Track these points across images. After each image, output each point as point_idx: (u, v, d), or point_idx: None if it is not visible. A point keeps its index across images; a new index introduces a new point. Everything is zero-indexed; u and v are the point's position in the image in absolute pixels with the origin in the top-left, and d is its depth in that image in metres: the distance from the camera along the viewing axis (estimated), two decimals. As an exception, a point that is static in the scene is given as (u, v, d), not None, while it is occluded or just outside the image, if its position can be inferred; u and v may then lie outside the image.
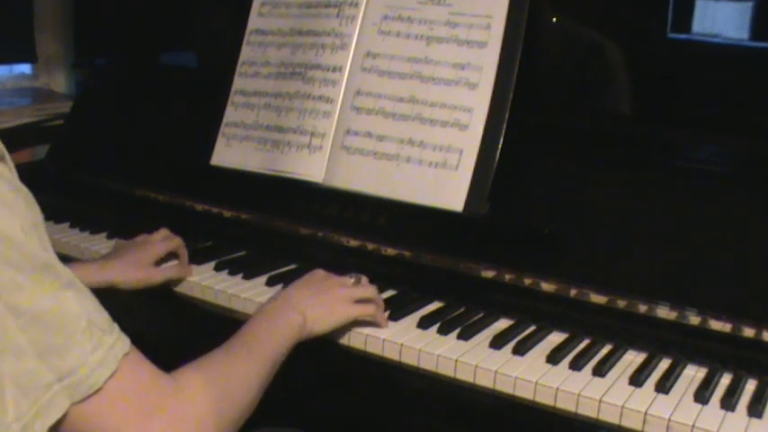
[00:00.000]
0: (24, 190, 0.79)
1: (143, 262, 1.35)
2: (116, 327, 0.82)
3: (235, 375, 0.93)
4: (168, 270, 1.37)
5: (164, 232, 1.44)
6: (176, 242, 1.42)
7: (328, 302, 1.15)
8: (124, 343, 0.81)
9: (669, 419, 1.00)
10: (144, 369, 0.83)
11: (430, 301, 1.32)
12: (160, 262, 1.39)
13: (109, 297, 1.26)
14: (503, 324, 1.25)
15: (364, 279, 1.25)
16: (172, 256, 1.43)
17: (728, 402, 1.03)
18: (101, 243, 1.58)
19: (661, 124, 1.36)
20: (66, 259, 1.53)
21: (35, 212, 0.79)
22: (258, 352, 1.00)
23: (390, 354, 1.18)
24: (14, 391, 0.73)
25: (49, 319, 0.75)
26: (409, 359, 1.17)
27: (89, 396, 0.76)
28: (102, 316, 0.81)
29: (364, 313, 1.19)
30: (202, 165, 1.57)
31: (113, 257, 1.35)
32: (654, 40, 1.41)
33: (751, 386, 1.09)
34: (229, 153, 1.54)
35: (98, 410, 0.77)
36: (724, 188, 1.23)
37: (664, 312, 1.16)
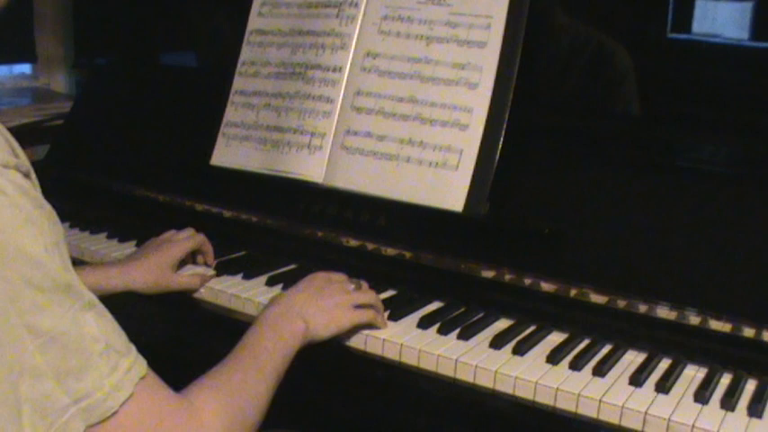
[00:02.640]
0: (48, 207, 0.78)
1: (162, 265, 1.33)
2: (133, 349, 0.82)
3: (247, 393, 0.93)
4: (187, 281, 1.36)
5: (189, 230, 1.44)
6: (199, 240, 1.42)
7: (330, 308, 1.14)
8: (141, 366, 0.81)
9: (669, 419, 1.00)
10: (160, 392, 0.83)
11: (430, 301, 1.32)
12: (183, 261, 1.39)
13: (111, 298, 1.27)
14: (503, 324, 1.25)
15: (364, 284, 1.25)
16: (196, 254, 1.43)
17: (728, 402, 1.03)
18: (101, 243, 1.58)
19: (661, 124, 1.36)
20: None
21: (58, 231, 0.78)
22: (267, 366, 0.99)
23: (390, 354, 1.18)
24: (32, 413, 0.73)
25: (67, 341, 0.75)
26: (409, 359, 1.17)
27: (105, 420, 0.76)
28: (120, 338, 0.80)
29: (365, 319, 1.19)
30: (202, 165, 1.57)
31: (134, 260, 1.34)
32: (654, 40, 1.41)
33: (751, 386, 1.09)
34: (229, 153, 1.54)
35: None
36: (724, 188, 1.23)
37: (664, 312, 1.16)
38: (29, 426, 0.73)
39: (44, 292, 0.74)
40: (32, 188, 0.77)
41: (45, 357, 0.74)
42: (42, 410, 0.74)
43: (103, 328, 0.78)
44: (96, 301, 0.79)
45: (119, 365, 0.78)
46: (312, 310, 1.12)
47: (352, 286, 1.22)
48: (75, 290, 0.77)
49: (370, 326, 1.20)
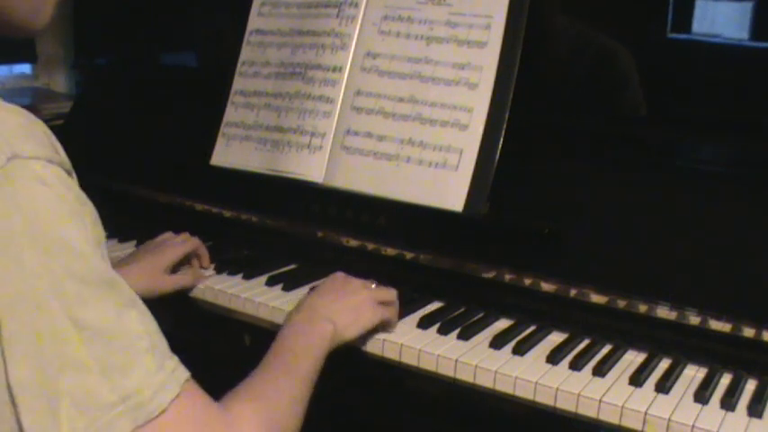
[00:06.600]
0: (91, 205, 0.77)
1: (156, 269, 1.33)
2: (175, 356, 0.79)
3: (283, 401, 0.92)
4: (179, 279, 1.36)
5: (184, 235, 1.43)
6: (193, 244, 1.41)
7: (355, 307, 1.14)
8: (184, 370, 0.79)
9: (669, 419, 1.00)
10: (202, 398, 0.80)
11: (430, 301, 1.32)
12: (177, 265, 1.38)
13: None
14: (503, 324, 1.25)
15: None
16: (191, 257, 1.42)
17: (728, 402, 1.03)
18: (101, 243, 1.58)
19: (661, 124, 1.36)
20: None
21: (99, 230, 0.77)
22: (299, 371, 0.98)
23: (390, 354, 1.18)
24: (71, 407, 0.70)
25: (112, 336, 0.72)
26: (409, 359, 1.17)
27: (150, 420, 0.73)
28: (162, 341, 0.78)
29: (388, 315, 1.18)
30: (202, 165, 1.57)
31: (127, 265, 1.33)
32: (654, 40, 1.41)
33: (751, 386, 1.09)
34: (229, 153, 1.54)
35: None
36: (724, 188, 1.23)
37: (664, 312, 1.16)
38: (66, 421, 0.70)
39: (88, 285, 0.72)
40: (76, 185, 0.76)
41: (90, 351, 0.71)
42: (82, 405, 0.71)
43: (147, 327, 0.76)
44: (139, 300, 0.77)
45: (164, 365, 0.76)
46: (337, 310, 1.11)
47: (373, 285, 1.21)
48: (119, 286, 0.75)
49: (389, 324, 1.20)
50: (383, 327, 1.20)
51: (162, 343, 0.78)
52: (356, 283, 1.19)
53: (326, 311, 1.10)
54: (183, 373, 0.78)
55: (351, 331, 1.12)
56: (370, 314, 1.15)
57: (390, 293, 1.21)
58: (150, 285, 1.30)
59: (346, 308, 1.12)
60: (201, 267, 1.43)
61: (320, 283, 1.19)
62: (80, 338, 0.71)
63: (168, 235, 1.42)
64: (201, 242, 1.43)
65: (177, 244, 1.39)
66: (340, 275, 1.20)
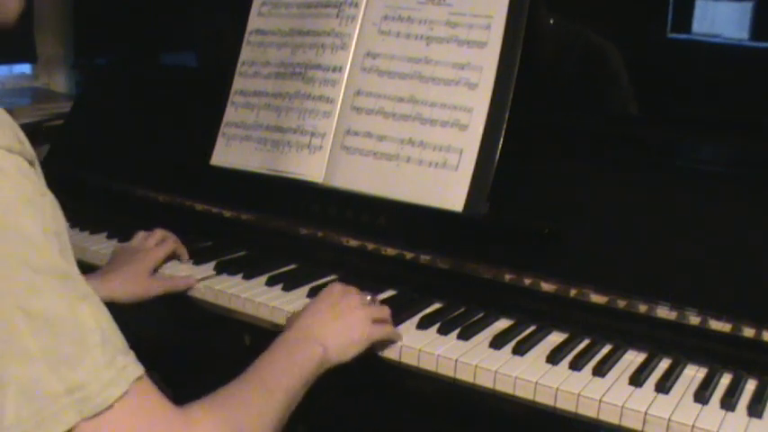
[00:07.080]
0: (51, 196, 0.77)
1: (141, 273, 1.35)
2: (131, 352, 0.79)
3: (248, 413, 0.89)
4: (167, 283, 1.37)
5: (159, 234, 1.45)
6: (170, 244, 1.44)
7: (349, 327, 1.11)
8: (137, 367, 0.78)
9: (669, 419, 1.00)
10: (154, 399, 0.79)
11: (430, 302, 1.32)
12: (159, 264, 1.41)
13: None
14: (503, 324, 1.25)
15: (377, 300, 1.22)
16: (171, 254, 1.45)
17: (728, 402, 1.03)
18: (101, 243, 1.58)
19: (661, 124, 1.36)
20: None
21: (59, 221, 0.77)
22: (274, 388, 0.95)
23: (390, 354, 1.18)
24: (17, 395, 0.71)
25: (62, 327, 0.72)
26: (409, 359, 1.17)
27: (96, 415, 0.73)
28: (117, 337, 0.78)
29: (384, 335, 1.16)
30: (202, 165, 1.57)
31: (111, 271, 1.34)
32: (654, 40, 1.41)
33: (751, 386, 1.09)
34: (229, 153, 1.54)
35: None
36: (724, 188, 1.23)
37: (664, 312, 1.16)
38: (12, 407, 0.71)
39: (41, 275, 0.72)
40: (36, 176, 0.76)
41: (38, 341, 0.71)
42: (29, 394, 0.71)
43: (100, 322, 0.76)
44: (94, 295, 0.77)
45: (115, 361, 0.75)
46: (330, 332, 1.08)
47: (368, 297, 1.19)
48: (73, 279, 0.75)
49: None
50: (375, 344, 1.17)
51: (116, 339, 0.77)
52: (353, 298, 1.15)
53: (319, 333, 1.07)
54: (135, 372, 0.77)
55: (343, 355, 1.09)
56: (365, 335, 1.12)
57: (384, 311, 1.19)
58: (137, 291, 1.32)
59: (340, 330, 1.09)
60: (180, 260, 1.46)
61: (317, 296, 1.16)
62: (30, 328, 0.71)
63: (141, 236, 1.45)
64: (176, 238, 1.46)
65: (157, 249, 1.42)
66: (337, 287, 1.16)
